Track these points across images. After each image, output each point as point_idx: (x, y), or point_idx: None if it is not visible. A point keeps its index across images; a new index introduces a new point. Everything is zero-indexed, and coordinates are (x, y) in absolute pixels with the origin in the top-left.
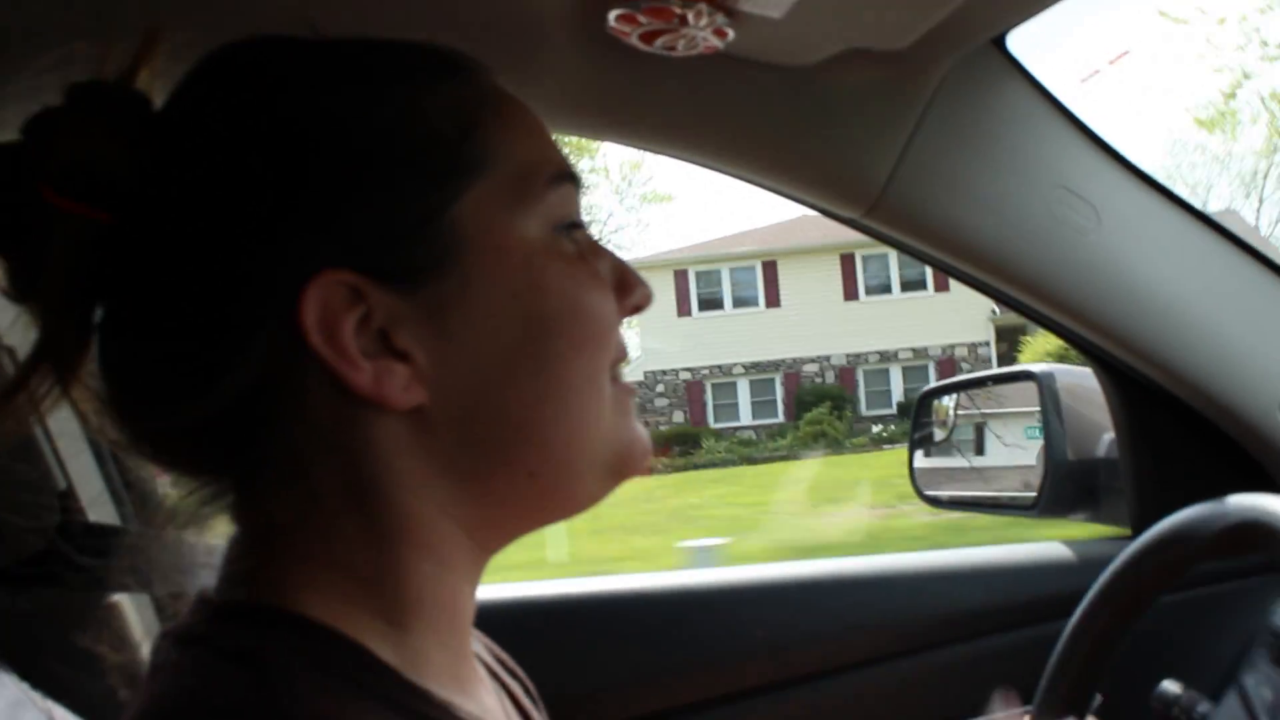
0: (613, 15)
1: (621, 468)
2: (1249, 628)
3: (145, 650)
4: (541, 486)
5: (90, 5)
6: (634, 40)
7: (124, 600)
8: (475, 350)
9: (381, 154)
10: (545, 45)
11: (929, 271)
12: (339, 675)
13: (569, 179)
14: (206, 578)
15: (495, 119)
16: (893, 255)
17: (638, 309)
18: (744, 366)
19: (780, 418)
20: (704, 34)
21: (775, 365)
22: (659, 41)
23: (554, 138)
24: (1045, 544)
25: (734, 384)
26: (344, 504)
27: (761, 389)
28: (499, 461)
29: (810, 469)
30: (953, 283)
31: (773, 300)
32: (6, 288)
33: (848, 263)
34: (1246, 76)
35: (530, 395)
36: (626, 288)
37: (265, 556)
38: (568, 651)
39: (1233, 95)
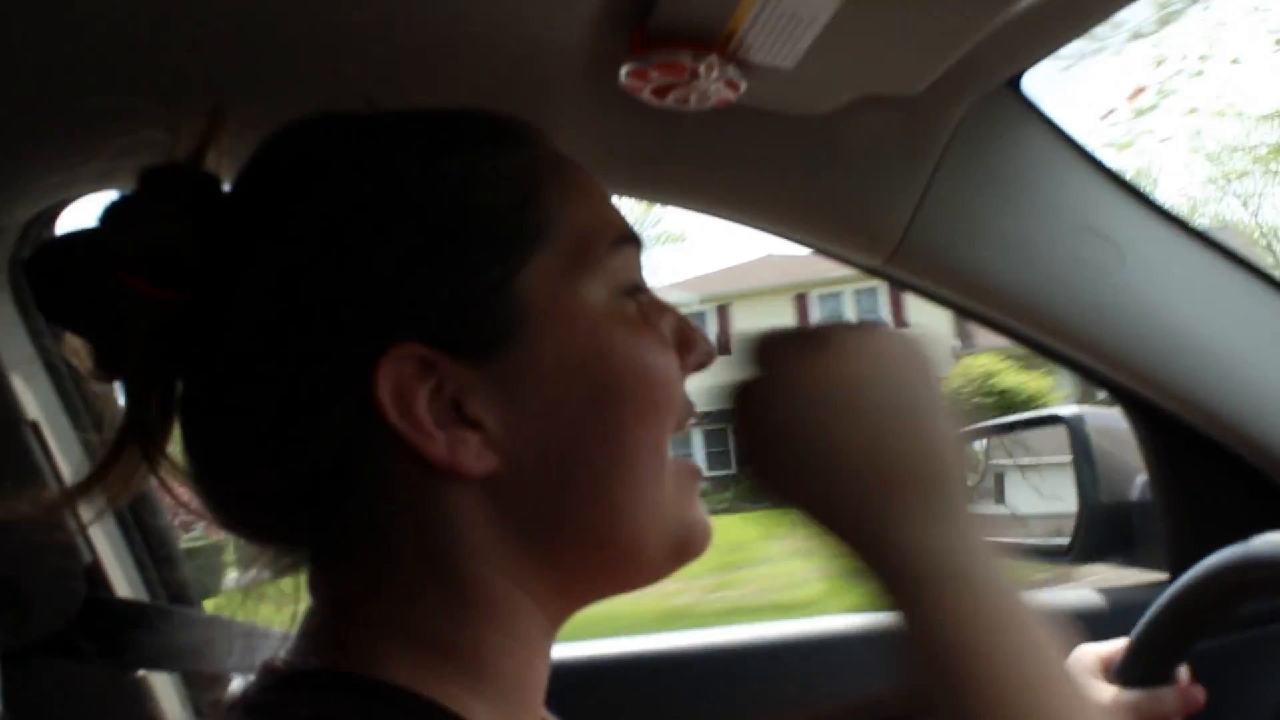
0: (624, 72)
1: (685, 548)
2: None
3: None
4: (612, 555)
5: (156, 86)
6: (646, 96)
7: (151, 678)
8: (545, 417)
9: (446, 227)
10: (560, 106)
11: (884, 309)
12: None
13: (631, 241)
14: (251, 654)
15: (556, 186)
16: (849, 293)
17: (701, 366)
18: (697, 416)
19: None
20: (716, 86)
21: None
22: (671, 96)
23: (614, 200)
24: (1079, 591)
25: (688, 435)
26: (419, 572)
27: (717, 439)
28: (571, 527)
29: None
30: (912, 319)
31: (726, 346)
32: (91, 369)
33: (801, 303)
34: (1164, 94)
35: (600, 461)
36: (689, 345)
37: (340, 625)
38: (596, 714)
39: (1147, 112)
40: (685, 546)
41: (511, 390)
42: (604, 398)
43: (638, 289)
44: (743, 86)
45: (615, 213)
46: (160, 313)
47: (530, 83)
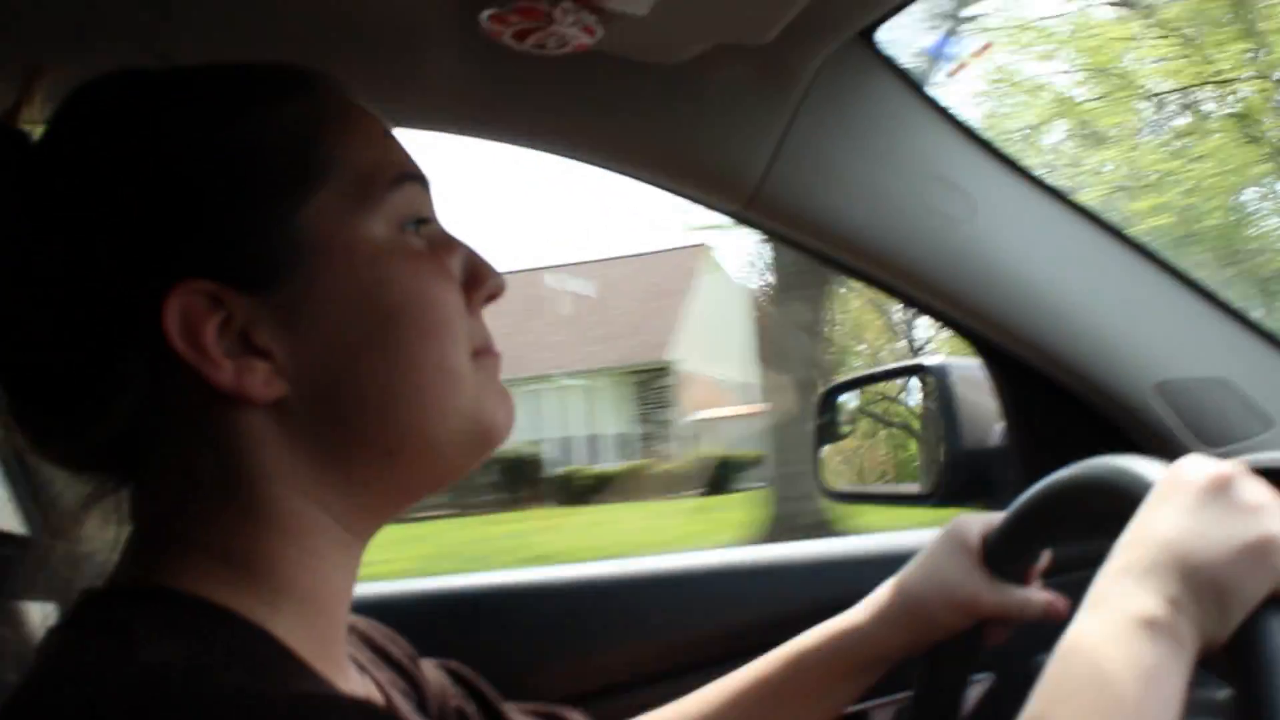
0: (485, 15)
1: (484, 438)
2: None
3: None
4: (401, 464)
5: None
6: (508, 39)
7: (28, 607)
8: (328, 344)
9: (230, 171)
10: (424, 48)
11: None
12: (203, 635)
13: (414, 178)
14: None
15: (337, 129)
16: None
17: (491, 298)
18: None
19: None
20: (573, 31)
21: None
22: (530, 40)
23: (399, 141)
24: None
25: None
26: (220, 493)
27: None
28: (358, 444)
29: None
30: None
31: None
32: None
33: None
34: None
35: (381, 381)
36: (478, 279)
37: (146, 544)
38: (466, 644)
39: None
40: (484, 437)
41: (296, 320)
42: (381, 323)
43: (423, 222)
44: (599, 33)
45: (399, 153)
46: None
47: (395, 26)
